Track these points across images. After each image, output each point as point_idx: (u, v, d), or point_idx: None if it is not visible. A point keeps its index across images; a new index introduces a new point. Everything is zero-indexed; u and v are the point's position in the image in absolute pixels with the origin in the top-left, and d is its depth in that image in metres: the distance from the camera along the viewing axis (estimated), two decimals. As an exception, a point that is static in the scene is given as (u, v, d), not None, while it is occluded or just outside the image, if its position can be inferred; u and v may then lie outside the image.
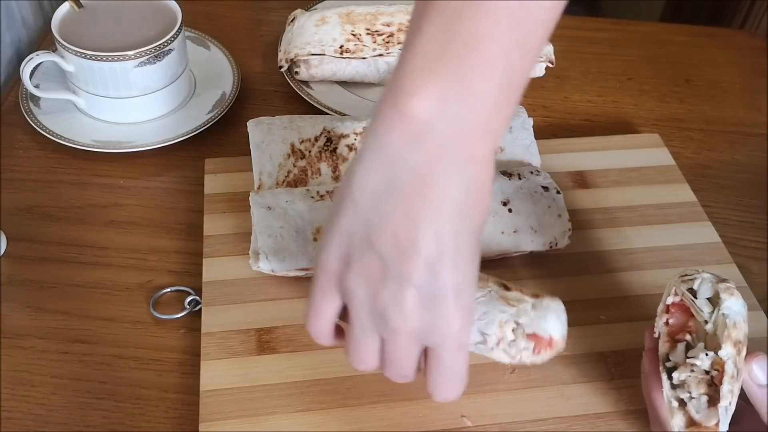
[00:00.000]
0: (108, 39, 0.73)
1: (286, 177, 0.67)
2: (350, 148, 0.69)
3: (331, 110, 0.78)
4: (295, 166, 0.68)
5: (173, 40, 0.73)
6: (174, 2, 0.76)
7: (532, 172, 0.66)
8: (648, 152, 0.76)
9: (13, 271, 0.64)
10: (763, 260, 0.68)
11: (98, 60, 0.71)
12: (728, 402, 0.44)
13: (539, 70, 0.84)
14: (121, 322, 0.61)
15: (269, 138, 0.68)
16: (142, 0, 0.77)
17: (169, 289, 0.63)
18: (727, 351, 0.44)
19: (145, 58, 0.72)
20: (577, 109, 0.84)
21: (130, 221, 0.69)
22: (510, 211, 0.63)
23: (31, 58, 0.73)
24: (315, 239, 0.60)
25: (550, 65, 0.83)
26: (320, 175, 0.68)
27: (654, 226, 0.68)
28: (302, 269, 0.60)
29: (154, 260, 0.66)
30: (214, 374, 0.56)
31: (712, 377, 0.45)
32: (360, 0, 0.85)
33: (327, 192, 0.64)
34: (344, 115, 0.77)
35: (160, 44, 0.72)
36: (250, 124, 0.70)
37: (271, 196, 0.63)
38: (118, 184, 0.72)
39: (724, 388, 0.44)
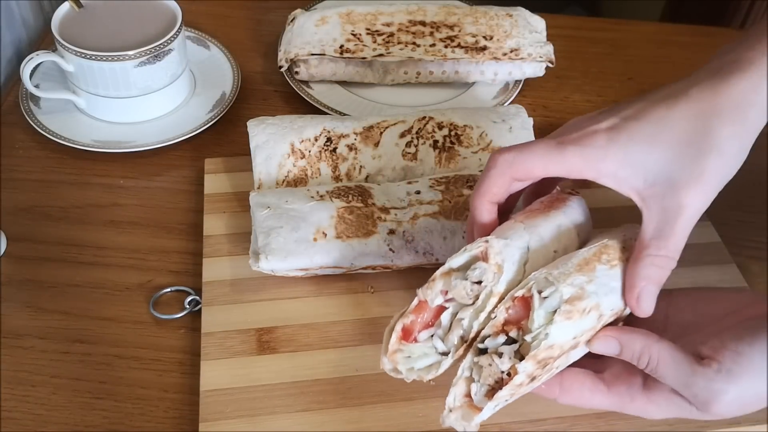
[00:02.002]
0: (108, 39, 0.73)
1: (286, 177, 0.67)
2: (350, 148, 0.69)
3: (331, 110, 0.78)
4: (295, 165, 0.68)
5: (173, 40, 0.73)
6: (174, 2, 0.76)
7: (532, 172, 0.65)
8: (648, 152, 0.75)
9: (13, 271, 0.64)
10: (763, 260, 0.68)
11: (98, 60, 0.71)
12: (504, 402, 0.46)
13: (539, 70, 0.84)
14: (121, 322, 0.61)
15: (269, 138, 0.68)
16: (142, 0, 0.77)
17: (169, 289, 0.63)
18: (526, 366, 0.45)
19: (145, 58, 0.72)
20: (577, 109, 0.84)
21: (130, 221, 0.69)
22: (510, 211, 0.62)
23: (31, 58, 0.73)
24: (315, 239, 0.60)
25: (550, 65, 0.83)
26: (320, 174, 0.68)
27: (654, 226, 0.68)
28: (302, 269, 0.60)
29: (154, 260, 0.66)
30: (214, 374, 0.56)
31: (502, 378, 0.46)
32: (360, 0, 0.85)
33: (327, 192, 0.64)
34: (344, 115, 0.77)
35: (160, 44, 0.72)
36: (250, 124, 0.70)
37: (271, 196, 0.63)
38: (118, 184, 0.72)
39: (502, 393, 0.45)
